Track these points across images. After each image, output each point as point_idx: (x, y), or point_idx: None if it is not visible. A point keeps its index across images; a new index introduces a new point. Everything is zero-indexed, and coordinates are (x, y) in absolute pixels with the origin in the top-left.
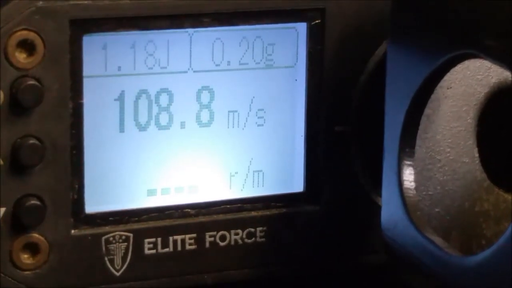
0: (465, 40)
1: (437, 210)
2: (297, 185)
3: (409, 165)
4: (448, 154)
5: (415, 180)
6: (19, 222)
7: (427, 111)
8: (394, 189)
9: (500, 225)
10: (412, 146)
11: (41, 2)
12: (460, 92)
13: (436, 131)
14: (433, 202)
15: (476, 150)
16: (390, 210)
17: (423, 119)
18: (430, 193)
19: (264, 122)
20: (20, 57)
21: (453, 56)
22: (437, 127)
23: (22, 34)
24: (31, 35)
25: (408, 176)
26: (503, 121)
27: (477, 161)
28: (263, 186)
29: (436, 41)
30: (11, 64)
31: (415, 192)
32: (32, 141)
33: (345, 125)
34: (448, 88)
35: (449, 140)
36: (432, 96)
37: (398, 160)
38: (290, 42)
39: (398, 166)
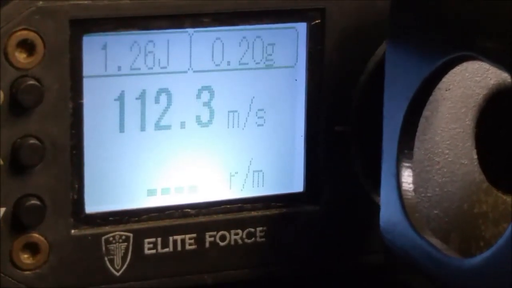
0: (464, 42)
1: (436, 212)
2: (297, 185)
3: (408, 167)
4: (446, 156)
5: (414, 182)
6: (19, 222)
7: (425, 112)
8: (392, 191)
9: (499, 226)
10: (411, 148)
11: (41, 2)
12: (459, 94)
13: (435, 132)
14: (432, 204)
15: (474, 151)
16: (389, 212)
17: (422, 120)
18: (428, 195)
19: (264, 122)
20: (20, 57)
21: (451, 58)
22: (435, 129)
23: (22, 34)
24: (31, 35)
25: (407, 178)
26: (502, 123)
27: (475, 163)
28: (263, 186)
29: (435, 43)
30: (11, 64)
31: (413, 194)
32: (32, 141)
33: (345, 125)
34: (446, 90)
35: (448, 142)
36: (431, 98)
37: (397, 162)
38: (290, 42)
39: (396, 168)
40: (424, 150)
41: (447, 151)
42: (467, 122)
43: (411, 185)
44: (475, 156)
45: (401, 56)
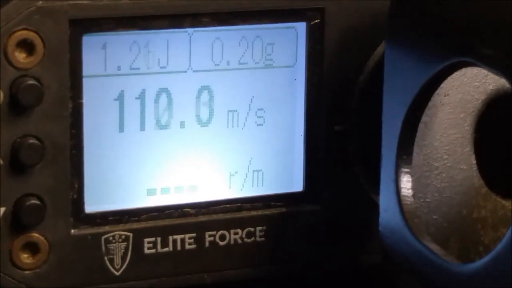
0: (463, 48)
1: (435, 217)
2: (297, 185)
3: (407, 172)
4: (445, 161)
5: (413, 188)
6: (19, 222)
7: (424, 118)
8: (392, 196)
9: (498, 231)
10: (410, 153)
11: (40, 2)
12: (457, 99)
13: (434, 138)
14: (431, 209)
15: (473, 157)
16: (388, 217)
17: (421, 126)
18: (427, 200)
19: (264, 122)
20: (20, 56)
21: (450, 64)
22: (434, 134)
23: (22, 33)
24: (31, 35)
25: (406, 183)
26: (500, 128)
27: (474, 168)
28: (262, 185)
29: (433, 49)
30: (11, 64)
31: (412, 199)
32: (32, 140)
33: (345, 125)
34: (445, 95)
35: (447, 147)
36: (429, 103)
37: (396, 167)
38: (289, 41)
39: (395, 174)
40: (423, 155)
41: (446, 157)
42: (466, 127)
43: (410, 191)
44: (474, 162)
45: (399, 62)
